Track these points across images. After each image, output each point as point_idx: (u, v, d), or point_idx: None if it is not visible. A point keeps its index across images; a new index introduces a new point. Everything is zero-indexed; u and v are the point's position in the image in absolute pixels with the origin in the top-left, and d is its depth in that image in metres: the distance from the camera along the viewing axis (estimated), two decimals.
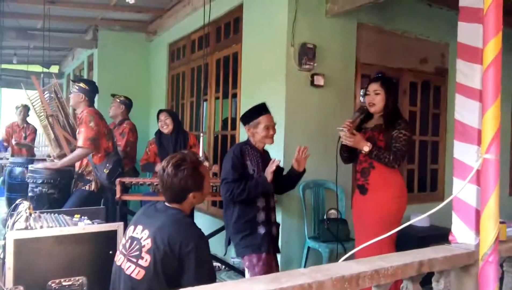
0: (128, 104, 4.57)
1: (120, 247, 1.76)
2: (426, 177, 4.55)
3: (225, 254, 2.65)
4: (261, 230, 2.46)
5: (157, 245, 1.56)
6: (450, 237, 1.75)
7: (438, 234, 3.53)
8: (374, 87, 2.66)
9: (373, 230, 2.48)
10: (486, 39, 1.39)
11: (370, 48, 3.97)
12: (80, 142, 3.33)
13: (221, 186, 2.47)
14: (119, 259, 1.72)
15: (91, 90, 3.57)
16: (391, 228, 2.41)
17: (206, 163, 3.37)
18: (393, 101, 2.67)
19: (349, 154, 2.79)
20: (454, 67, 1.78)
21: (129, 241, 1.69)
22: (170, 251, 1.56)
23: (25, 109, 6.22)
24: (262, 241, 2.43)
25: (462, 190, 1.65)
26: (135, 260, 1.61)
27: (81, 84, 3.54)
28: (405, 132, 2.55)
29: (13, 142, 6.03)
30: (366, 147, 2.51)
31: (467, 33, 1.71)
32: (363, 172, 2.63)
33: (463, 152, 1.70)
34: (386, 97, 2.63)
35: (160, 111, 3.95)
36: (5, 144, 6.44)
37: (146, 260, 1.58)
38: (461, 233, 1.71)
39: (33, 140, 6.46)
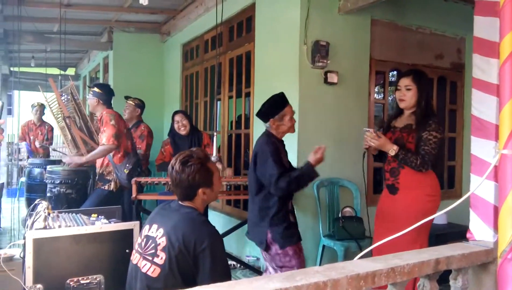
0: (142, 106, 4.65)
1: (136, 246, 1.78)
2: (443, 174, 4.48)
3: (265, 248, 2.47)
4: (292, 219, 2.51)
5: (171, 243, 1.58)
6: (468, 235, 1.72)
7: (456, 232, 3.49)
8: (405, 82, 2.50)
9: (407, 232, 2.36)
10: (503, 33, 1.37)
11: (384, 44, 3.93)
12: (104, 140, 3.40)
13: (268, 182, 2.37)
14: (135, 257, 1.74)
15: (106, 93, 3.63)
16: (426, 228, 2.34)
17: (219, 166, 3.38)
18: (426, 98, 2.49)
19: (378, 152, 2.68)
20: (471, 62, 1.74)
21: (145, 240, 1.71)
22: (184, 249, 1.57)
23: (41, 107, 6.33)
24: (296, 229, 2.52)
25: (479, 186, 1.62)
26: (150, 258, 1.63)
27: (95, 89, 3.62)
28: (436, 133, 2.40)
29: (37, 144, 6.13)
30: (392, 151, 2.40)
31: (483, 27, 1.67)
32: (392, 172, 2.52)
33: (481, 148, 1.67)
34: (418, 93, 2.46)
35: (175, 113, 3.97)
36: (21, 142, 6.54)
37: (161, 258, 1.59)
38: (479, 230, 1.68)
39: (52, 138, 6.58)
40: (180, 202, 1.78)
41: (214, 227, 1.71)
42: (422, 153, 2.38)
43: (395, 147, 2.40)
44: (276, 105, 2.49)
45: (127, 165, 3.44)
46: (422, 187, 2.46)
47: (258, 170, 2.44)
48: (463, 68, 4.47)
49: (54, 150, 6.14)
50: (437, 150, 2.42)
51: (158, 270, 1.61)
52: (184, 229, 1.61)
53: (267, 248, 2.45)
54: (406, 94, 2.49)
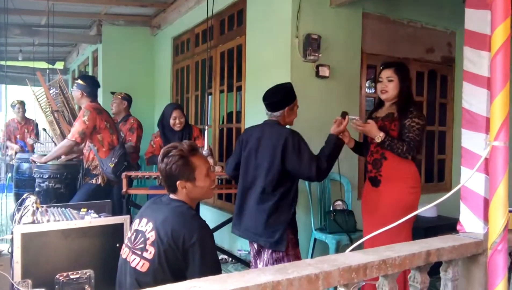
0: (129, 99, 4.64)
1: (125, 240, 1.77)
2: (433, 167, 4.51)
3: (285, 249, 2.33)
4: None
5: (160, 238, 1.57)
6: (458, 227, 1.74)
7: (446, 225, 3.52)
8: (387, 73, 2.53)
9: (388, 223, 2.40)
10: (494, 25, 1.36)
11: (375, 38, 3.93)
12: (69, 135, 3.39)
13: (308, 171, 2.28)
14: (124, 252, 1.73)
15: (89, 85, 3.56)
16: (409, 220, 2.37)
17: (210, 160, 3.35)
18: (407, 89, 2.53)
19: (355, 144, 2.73)
20: (461, 56, 1.75)
21: (134, 234, 1.70)
22: (173, 244, 1.56)
23: (22, 105, 6.23)
24: None
25: (470, 179, 1.63)
26: (139, 253, 1.62)
27: (79, 81, 3.58)
28: (418, 120, 2.43)
29: (30, 141, 6.03)
30: (378, 137, 2.41)
31: (475, 19, 1.67)
32: (375, 164, 2.53)
33: (471, 141, 1.67)
34: (400, 85, 2.50)
35: (174, 108, 3.79)
36: (4, 142, 6.39)
37: (150, 253, 1.58)
38: (469, 222, 1.69)
39: (37, 134, 6.47)
40: (170, 196, 1.76)
41: (204, 221, 1.70)
42: (407, 140, 2.40)
43: (382, 134, 2.41)
44: (292, 94, 2.46)
45: (113, 158, 3.42)
46: (404, 178, 2.48)
47: (289, 162, 2.29)
48: (454, 62, 4.50)
49: (34, 142, 6.05)
50: (421, 136, 2.45)
51: (147, 264, 1.59)
52: (173, 223, 1.59)
53: (285, 248, 2.31)
54: (388, 86, 2.52)
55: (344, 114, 2.47)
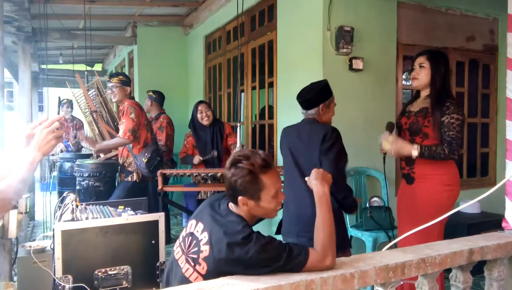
0: (155, 98, 4.70)
1: (180, 238, 1.64)
2: (476, 161, 4.31)
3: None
4: None
5: (214, 256, 1.43)
6: (503, 224, 1.65)
7: (490, 221, 3.36)
8: (420, 60, 2.41)
9: (424, 222, 2.30)
10: None
11: (412, 28, 3.79)
12: (120, 132, 3.45)
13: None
14: (177, 252, 1.61)
15: (128, 81, 3.67)
16: (440, 221, 2.28)
17: None
18: (441, 79, 2.36)
19: None
20: (505, 43, 1.65)
21: (190, 238, 1.56)
22: (227, 266, 1.41)
23: (70, 104, 6.46)
24: None
25: None
26: (193, 264, 1.50)
27: (119, 78, 3.65)
28: (457, 116, 2.26)
29: (73, 141, 6.28)
30: (414, 151, 2.26)
31: None
32: (408, 160, 2.42)
33: None
34: (432, 73, 2.36)
35: (199, 103, 3.98)
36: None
37: (203, 268, 1.46)
38: None
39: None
40: (229, 207, 1.58)
41: (257, 235, 1.42)
42: (448, 139, 2.24)
43: (415, 146, 2.26)
44: (327, 90, 2.40)
45: (146, 154, 3.49)
46: (438, 176, 2.34)
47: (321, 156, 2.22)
48: (497, 50, 4.27)
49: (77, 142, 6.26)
50: (462, 133, 2.28)
51: (200, 279, 1.46)
52: (226, 244, 1.41)
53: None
54: (420, 72, 2.40)
55: (391, 127, 2.40)
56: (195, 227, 1.56)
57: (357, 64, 3.42)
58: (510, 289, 1.60)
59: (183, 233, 1.62)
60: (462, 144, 2.39)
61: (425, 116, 2.36)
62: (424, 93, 2.44)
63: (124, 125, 3.43)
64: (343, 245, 2.22)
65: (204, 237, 1.49)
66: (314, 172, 1.69)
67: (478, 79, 4.26)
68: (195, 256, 1.49)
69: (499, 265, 1.54)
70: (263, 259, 1.34)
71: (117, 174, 3.90)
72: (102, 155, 4.06)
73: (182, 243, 1.59)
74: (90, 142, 3.68)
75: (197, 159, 3.86)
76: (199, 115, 3.86)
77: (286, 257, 1.34)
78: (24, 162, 1.31)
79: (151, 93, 4.74)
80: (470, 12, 4.09)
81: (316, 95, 2.36)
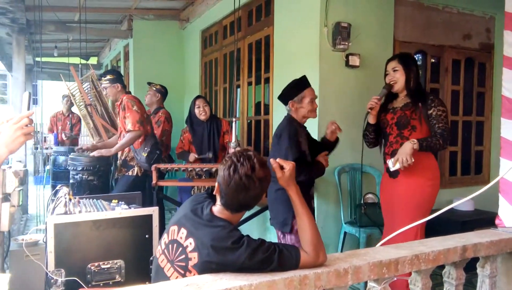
0: (163, 92, 4.60)
1: (162, 244, 1.56)
2: (470, 159, 4.33)
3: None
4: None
5: (203, 264, 1.39)
6: (496, 221, 1.65)
7: (484, 219, 3.38)
8: (392, 65, 2.61)
9: (405, 216, 2.39)
10: None
11: (409, 25, 3.78)
12: (129, 126, 3.41)
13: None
14: (161, 260, 1.54)
15: (120, 78, 3.66)
16: (425, 214, 2.33)
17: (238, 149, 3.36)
18: (414, 77, 2.56)
19: (375, 135, 2.70)
20: (501, 42, 1.65)
21: (175, 245, 1.50)
22: (216, 269, 1.38)
23: (70, 98, 6.42)
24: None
25: (510, 171, 1.54)
26: (182, 272, 1.45)
27: (108, 77, 3.62)
28: (442, 107, 2.47)
29: (64, 136, 6.25)
30: (415, 145, 2.36)
31: None
32: (394, 154, 2.48)
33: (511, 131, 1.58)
34: (405, 72, 2.55)
35: (196, 97, 3.95)
36: (49, 133, 6.68)
37: (194, 275, 1.40)
38: (509, 216, 1.61)
39: (79, 130, 6.69)
40: (212, 211, 1.50)
41: (247, 239, 1.40)
42: (439, 131, 2.42)
43: (413, 140, 2.39)
44: (296, 87, 2.46)
45: (145, 148, 3.47)
46: (424, 171, 2.47)
47: (270, 153, 2.40)
48: (493, 48, 4.28)
49: (68, 137, 6.24)
50: (449, 123, 2.47)
51: None
52: (216, 251, 1.37)
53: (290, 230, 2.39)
54: (395, 75, 2.58)
55: (389, 87, 2.56)
56: (177, 234, 1.50)
57: (354, 60, 3.41)
58: (502, 286, 1.61)
59: (165, 240, 1.55)
60: (451, 134, 2.55)
61: (411, 109, 2.53)
62: (401, 92, 2.60)
63: (131, 118, 3.40)
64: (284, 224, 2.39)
65: (189, 243, 1.44)
66: (272, 164, 1.59)
67: (473, 77, 4.27)
68: (183, 264, 1.45)
69: (492, 262, 1.55)
70: (255, 262, 1.33)
71: (112, 168, 3.87)
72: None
73: (166, 251, 1.53)
74: (105, 151, 3.59)
75: (192, 157, 3.84)
76: (196, 110, 3.83)
77: (278, 259, 1.34)
78: None
79: (159, 87, 4.57)
80: (467, 10, 4.09)
81: (284, 92, 2.50)
